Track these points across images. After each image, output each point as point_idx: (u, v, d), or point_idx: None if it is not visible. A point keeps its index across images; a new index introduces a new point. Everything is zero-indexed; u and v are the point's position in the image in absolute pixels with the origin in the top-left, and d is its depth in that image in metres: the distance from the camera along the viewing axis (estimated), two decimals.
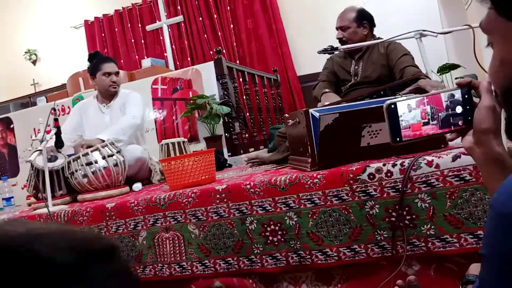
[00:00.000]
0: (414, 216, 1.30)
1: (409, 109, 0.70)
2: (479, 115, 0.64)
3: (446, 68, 3.25)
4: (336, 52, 2.27)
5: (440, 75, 3.22)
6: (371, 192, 1.33)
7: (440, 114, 0.71)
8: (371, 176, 1.33)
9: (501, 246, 0.41)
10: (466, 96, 0.71)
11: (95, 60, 2.65)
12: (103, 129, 2.49)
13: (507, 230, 0.41)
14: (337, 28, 2.33)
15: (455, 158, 1.26)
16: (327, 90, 2.27)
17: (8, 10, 6.76)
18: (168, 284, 1.64)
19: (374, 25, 2.33)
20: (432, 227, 1.28)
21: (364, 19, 2.28)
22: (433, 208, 1.28)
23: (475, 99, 0.70)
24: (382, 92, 1.74)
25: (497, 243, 0.42)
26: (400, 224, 1.30)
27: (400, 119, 0.70)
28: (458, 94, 0.72)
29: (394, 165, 1.32)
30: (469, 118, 0.70)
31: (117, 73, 2.62)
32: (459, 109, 0.71)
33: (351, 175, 1.35)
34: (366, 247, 1.35)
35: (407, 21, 4.29)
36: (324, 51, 2.08)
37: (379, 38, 2.27)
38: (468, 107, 0.71)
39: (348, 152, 1.45)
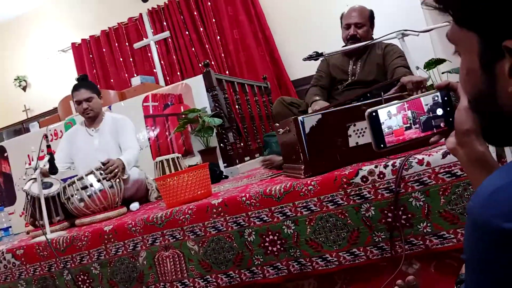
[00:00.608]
0: (409, 215, 1.30)
1: (389, 116, 0.71)
2: (459, 116, 0.65)
3: (432, 64, 3.28)
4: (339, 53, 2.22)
5: (427, 70, 3.25)
6: (366, 194, 1.34)
7: (421, 117, 0.72)
8: (364, 179, 1.34)
9: (479, 253, 0.42)
10: (446, 98, 0.73)
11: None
12: (93, 152, 2.49)
13: (482, 238, 0.42)
14: (349, 25, 2.23)
15: (445, 154, 1.27)
16: (317, 98, 2.27)
17: None
18: None
19: None
20: (429, 224, 1.29)
21: (373, 20, 2.29)
22: (428, 205, 1.29)
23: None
24: (368, 94, 1.76)
25: (474, 249, 0.43)
26: (397, 224, 1.31)
27: (382, 125, 0.71)
28: (437, 97, 0.73)
29: (385, 166, 1.33)
30: (450, 119, 0.71)
31: (88, 99, 2.55)
32: (439, 112, 0.72)
33: (345, 179, 1.36)
34: (365, 250, 1.35)
35: (390, 20, 4.35)
36: (309, 57, 2.09)
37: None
38: (448, 108, 0.72)
39: (338, 153, 1.46)
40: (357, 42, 2.21)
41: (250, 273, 1.50)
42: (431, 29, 1.87)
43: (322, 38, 4.64)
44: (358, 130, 1.42)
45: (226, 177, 2.90)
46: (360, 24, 2.23)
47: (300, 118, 1.41)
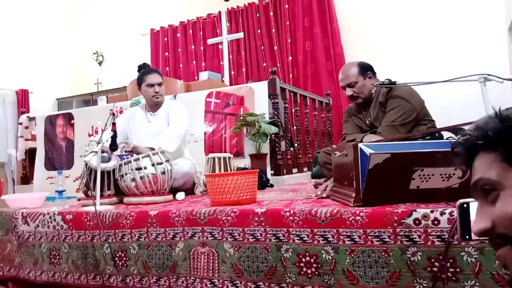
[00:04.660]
0: (458, 270, 1.23)
1: None
2: None
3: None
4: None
5: None
6: (415, 238, 1.28)
7: None
8: (417, 222, 1.28)
9: None
10: None
11: (141, 71, 2.75)
12: (148, 137, 2.58)
13: None
14: (344, 87, 2.27)
15: None
16: (366, 134, 2.21)
17: (82, 12, 7.26)
18: None
19: (375, 73, 2.27)
20: (477, 284, 1.21)
21: (367, 69, 2.24)
22: (480, 264, 1.21)
23: None
24: (437, 134, 1.68)
25: None
26: (442, 275, 1.24)
27: (471, 217, 0.69)
28: None
29: (442, 214, 1.26)
30: None
31: (160, 84, 2.67)
32: None
33: (396, 218, 1.31)
34: None
35: (472, 59, 4.16)
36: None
37: (387, 81, 2.13)
38: None
39: (395, 192, 1.41)
40: (358, 100, 2.22)
41: None
42: None
43: (393, 65, 4.54)
44: (424, 175, 1.36)
45: (272, 185, 2.90)
46: (351, 83, 2.22)
47: (366, 151, 1.38)
